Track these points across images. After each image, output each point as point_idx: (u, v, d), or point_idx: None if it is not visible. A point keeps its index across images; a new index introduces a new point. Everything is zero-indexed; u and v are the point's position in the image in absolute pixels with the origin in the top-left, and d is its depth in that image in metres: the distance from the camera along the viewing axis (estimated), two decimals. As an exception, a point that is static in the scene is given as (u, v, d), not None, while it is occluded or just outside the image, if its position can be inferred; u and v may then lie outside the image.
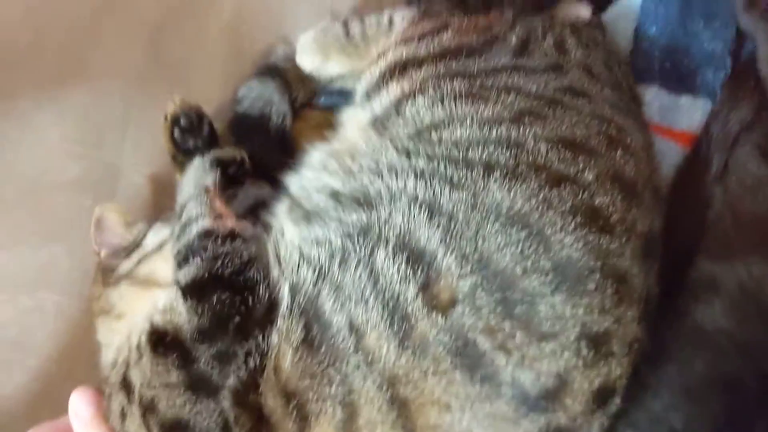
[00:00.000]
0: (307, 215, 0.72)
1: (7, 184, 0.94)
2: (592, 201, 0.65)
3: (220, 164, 0.80)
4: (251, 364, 0.63)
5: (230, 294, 0.65)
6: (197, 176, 0.79)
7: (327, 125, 0.86)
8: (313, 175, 0.76)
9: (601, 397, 0.62)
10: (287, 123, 0.91)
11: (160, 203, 0.91)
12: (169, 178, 0.93)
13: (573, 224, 0.62)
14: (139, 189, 0.94)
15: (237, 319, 0.65)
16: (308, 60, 0.88)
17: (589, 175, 0.66)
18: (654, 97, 0.84)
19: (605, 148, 0.69)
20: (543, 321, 0.60)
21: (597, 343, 0.61)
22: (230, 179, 0.82)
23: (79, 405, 0.70)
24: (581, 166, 0.66)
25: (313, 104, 0.94)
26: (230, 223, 0.72)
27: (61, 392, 0.80)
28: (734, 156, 0.76)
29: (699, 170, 0.78)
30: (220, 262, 0.67)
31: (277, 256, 0.70)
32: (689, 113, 0.82)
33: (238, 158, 0.84)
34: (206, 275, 0.67)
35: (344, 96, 0.89)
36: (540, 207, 0.63)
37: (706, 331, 0.65)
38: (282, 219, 0.74)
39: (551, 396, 0.60)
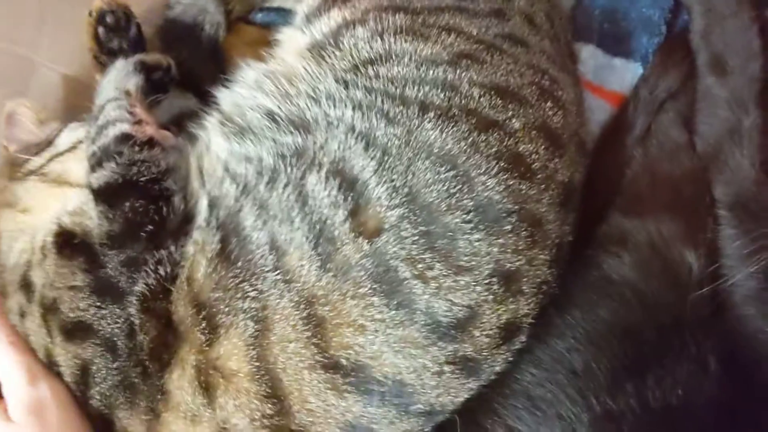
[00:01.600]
0: (239, 131, 0.71)
1: None
2: (517, 148, 0.67)
3: (145, 68, 0.77)
4: (161, 272, 0.63)
5: (144, 202, 0.65)
6: (119, 78, 0.75)
7: (261, 43, 0.84)
8: (247, 93, 0.74)
9: (507, 332, 0.64)
10: (220, 34, 0.88)
11: (74, 104, 0.86)
12: (85, 80, 0.89)
13: (496, 168, 0.65)
14: (53, 87, 0.89)
15: (150, 227, 0.64)
16: None
17: (516, 123, 0.68)
18: (590, 56, 0.86)
19: (536, 98, 0.71)
20: (461, 256, 0.62)
21: (508, 281, 0.64)
22: (154, 86, 0.79)
23: None
24: (510, 114, 0.68)
25: (249, 19, 0.91)
26: (150, 130, 0.70)
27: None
28: (658, 121, 0.79)
29: (623, 130, 0.80)
30: (136, 169, 0.66)
31: (200, 169, 0.69)
32: (621, 75, 0.85)
33: (165, 64, 0.81)
34: (120, 180, 0.65)
35: (282, 15, 0.87)
36: (468, 150, 0.65)
37: (613, 281, 0.68)
38: (211, 132, 0.72)
39: (461, 326, 0.62)
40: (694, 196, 0.72)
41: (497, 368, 0.65)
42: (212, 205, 0.66)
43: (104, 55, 0.83)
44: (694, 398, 0.59)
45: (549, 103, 0.71)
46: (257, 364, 0.62)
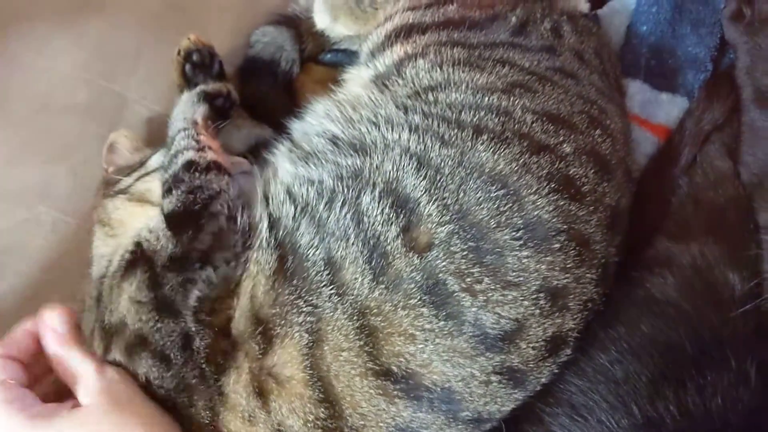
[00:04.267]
0: (305, 156, 0.76)
1: (18, 102, 0.97)
2: (567, 171, 0.70)
3: (208, 97, 0.83)
4: (213, 294, 0.68)
5: (202, 227, 0.69)
6: (186, 109, 0.82)
7: (329, 81, 0.90)
8: (315, 121, 0.79)
9: (553, 345, 0.67)
10: (294, 71, 0.94)
11: (163, 137, 0.94)
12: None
13: (547, 189, 0.67)
14: (143, 121, 0.97)
15: (207, 249, 0.69)
16: (319, 19, 0.91)
17: (567, 148, 0.71)
18: (637, 91, 0.89)
19: (586, 125, 0.74)
20: (509, 271, 0.65)
21: (555, 297, 0.66)
22: (218, 111, 0.84)
23: (55, 321, 0.72)
24: (561, 138, 0.71)
25: (319, 59, 0.98)
26: (211, 155, 0.75)
27: (48, 299, 0.84)
28: (703, 151, 0.82)
29: (669, 161, 0.83)
30: (193, 196, 0.71)
31: (265, 194, 0.74)
32: (667, 109, 0.88)
33: (225, 91, 0.86)
34: (182, 208, 0.70)
35: (348, 55, 0.93)
36: (519, 170, 0.68)
37: (657, 300, 0.70)
38: (279, 158, 0.78)
39: (508, 338, 0.65)
40: (737, 223, 0.75)
41: (543, 380, 0.67)
42: (272, 226, 0.70)
43: (190, 89, 0.89)
44: (734, 408, 0.61)
45: (598, 131, 0.74)
46: (311, 371, 0.65)
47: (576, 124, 0.74)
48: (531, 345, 0.66)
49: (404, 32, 0.80)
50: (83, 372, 0.67)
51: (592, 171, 0.71)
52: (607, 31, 0.92)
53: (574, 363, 0.68)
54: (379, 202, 0.68)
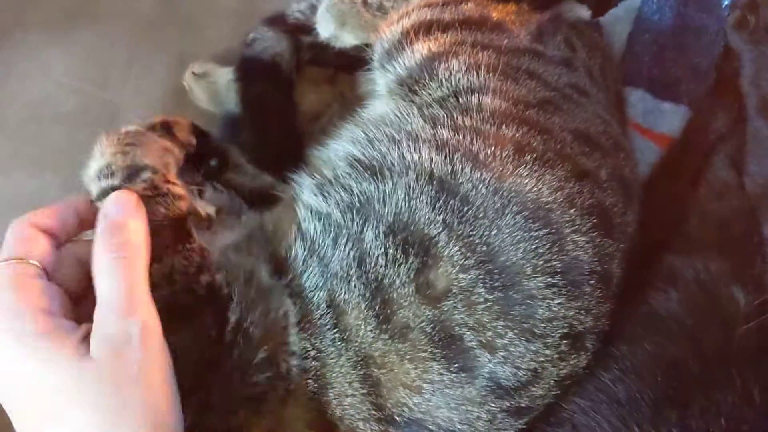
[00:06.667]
0: (320, 185, 0.67)
1: (9, 109, 0.97)
2: (605, 201, 0.63)
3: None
4: None
5: None
6: None
7: (324, 81, 0.87)
8: (339, 146, 0.71)
9: (564, 382, 0.63)
10: (294, 77, 0.89)
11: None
12: (165, 124, 0.95)
13: (589, 224, 0.61)
14: (135, 130, 0.96)
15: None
16: (323, 28, 0.85)
17: (603, 173, 0.65)
18: (639, 100, 0.87)
19: (612, 147, 0.69)
20: (537, 323, 0.59)
21: (575, 340, 0.62)
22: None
23: (112, 208, 0.57)
24: (597, 163, 0.65)
25: (317, 60, 0.92)
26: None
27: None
28: (707, 162, 0.80)
29: (673, 172, 0.82)
30: None
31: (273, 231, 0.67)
32: (670, 118, 0.86)
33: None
34: None
35: (343, 56, 0.87)
36: (563, 202, 0.60)
37: (660, 316, 0.68)
38: (295, 195, 0.69)
39: (522, 388, 0.61)
40: (742, 235, 0.73)
41: (546, 401, 0.64)
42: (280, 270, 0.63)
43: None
44: (738, 429, 0.60)
45: (621, 153, 0.70)
46: (316, 413, 0.60)
47: (602, 145, 0.68)
48: (542, 387, 0.62)
49: (423, 29, 0.72)
50: (109, 306, 0.52)
51: (621, 200, 0.66)
52: (608, 39, 0.91)
53: (575, 382, 0.65)
54: (384, 239, 0.60)
